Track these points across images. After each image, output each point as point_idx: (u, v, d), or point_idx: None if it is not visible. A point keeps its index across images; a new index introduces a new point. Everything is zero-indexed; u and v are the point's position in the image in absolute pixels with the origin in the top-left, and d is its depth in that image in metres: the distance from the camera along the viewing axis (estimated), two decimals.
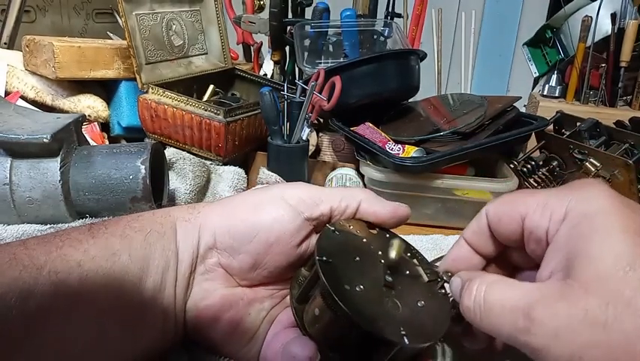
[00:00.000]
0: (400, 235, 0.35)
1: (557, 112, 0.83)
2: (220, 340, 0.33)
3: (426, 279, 0.33)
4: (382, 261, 0.32)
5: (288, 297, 0.35)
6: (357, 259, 0.31)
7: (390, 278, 0.30)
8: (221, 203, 0.35)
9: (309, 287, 0.31)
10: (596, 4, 1.03)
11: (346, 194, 0.34)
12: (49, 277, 0.27)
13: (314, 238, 0.34)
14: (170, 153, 0.66)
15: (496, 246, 0.31)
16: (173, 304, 0.32)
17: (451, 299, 0.31)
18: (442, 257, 0.35)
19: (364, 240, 0.33)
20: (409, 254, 0.34)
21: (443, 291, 0.32)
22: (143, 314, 0.30)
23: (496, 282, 0.26)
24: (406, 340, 0.27)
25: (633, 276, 0.22)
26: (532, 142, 0.80)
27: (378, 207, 0.34)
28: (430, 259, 0.35)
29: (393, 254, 0.31)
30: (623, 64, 1.02)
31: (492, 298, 0.26)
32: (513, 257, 0.31)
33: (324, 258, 0.29)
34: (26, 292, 0.26)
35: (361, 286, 0.29)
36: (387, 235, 0.35)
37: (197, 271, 0.33)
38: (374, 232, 0.34)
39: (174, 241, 0.33)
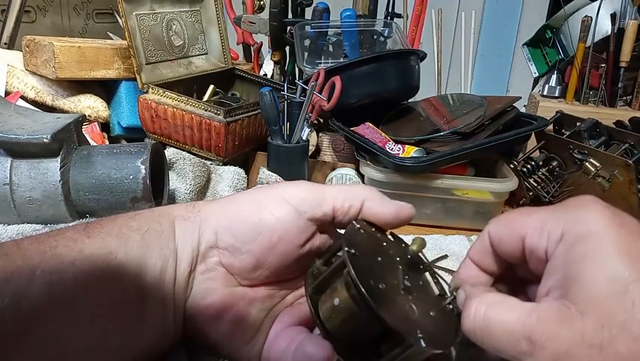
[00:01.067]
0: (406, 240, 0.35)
1: (557, 112, 0.83)
2: (221, 340, 0.33)
3: (436, 292, 0.33)
4: (400, 267, 0.32)
5: (289, 296, 0.35)
6: (380, 259, 0.31)
7: (408, 283, 0.31)
8: (222, 201, 0.35)
9: (329, 277, 0.31)
10: (595, 4, 1.03)
11: (349, 194, 0.34)
12: (42, 278, 0.26)
13: (317, 239, 0.33)
14: (170, 153, 0.66)
15: (502, 263, 0.31)
16: (172, 304, 0.32)
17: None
18: (442, 257, 0.35)
19: (384, 243, 0.33)
20: (421, 266, 0.34)
21: (451, 306, 0.32)
22: (142, 314, 0.30)
23: (495, 303, 0.27)
24: (422, 343, 0.27)
25: (627, 299, 0.22)
26: (532, 142, 0.80)
27: (381, 209, 0.33)
28: (430, 259, 0.36)
29: (414, 247, 0.32)
30: (622, 64, 1.02)
31: (492, 320, 0.26)
32: (519, 272, 0.31)
33: (353, 250, 0.29)
34: (19, 293, 0.26)
35: (383, 285, 0.29)
36: (403, 245, 0.35)
37: (198, 270, 0.33)
38: (391, 238, 0.35)
39: (173, 240, 0.32)
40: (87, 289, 0.28)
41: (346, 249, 0.29)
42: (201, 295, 0.33)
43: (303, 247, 0.33)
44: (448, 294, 0.33)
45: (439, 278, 0.34)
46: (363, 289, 0.27)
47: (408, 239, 0.36)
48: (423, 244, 0.32)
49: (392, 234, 0.35)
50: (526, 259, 0.28)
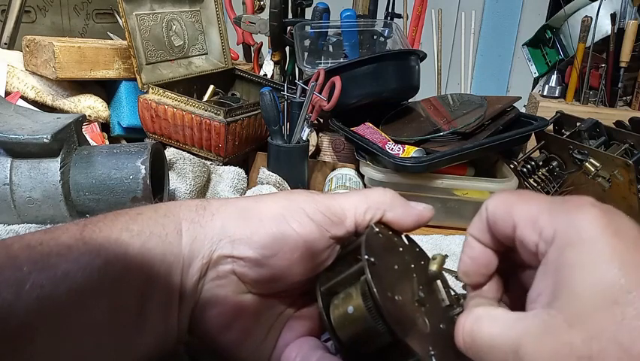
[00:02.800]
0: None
1: (557, 112, 0.83)
2: (229, 346, 0.33)
3: (447, 302, 0.32)
4: (415, 275, 0.31)
5: (297, 301, 0.35)
6: (397, 267, 0.30)
7: (422, 294, 0.30)
8: (240, 207, 0.32)
9: (344, 282, 0.30)
10: (595, 5, 1.03)
11: (371, 204, 0.32)
12: (32, 292, 0.25)
13: (335, 253, 0.33)
14: (170, 153, 0.66)
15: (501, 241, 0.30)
16: (177, 311, 0.31)
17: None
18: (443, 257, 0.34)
19: (400, 249, 0.33)
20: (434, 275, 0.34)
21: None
22: (142, 324, 0.29)
23: (481, 317, 0.26)
24: (434, 360, 0.27)
25: (617, 310, 0.22)
26: (532, 142, 0.80)
27: (402, 218, 0.33)
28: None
29: (434, 267, 0.31)
30: (622, 64, 1.02)
31: (479, 335, 0.26)
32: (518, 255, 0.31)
33: (372, 259, 0.28)
34: (6, 309, 0.24)
35: (399, 297, 0.28)
36: (417, 249, 0.35)
37: (208, 276, 0.31)
38: (407, 242, 0.34)
39: (179, 245, 0.30)
40: (82, 302, 0.26)
41: (366, 257, 0.28)
42: (211, 303, 0.32)
43: (322, 264, 0.32)
44: (456, 304, 0.32)
45: (449, 286, 0.34)
46: (381, 303, 0.27)
47: (415, 238, 0.35)
48: (443, 262, 0.31)
49: (407, 237, 0.35)
50: (517, 246, 0.28)
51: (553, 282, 0.24)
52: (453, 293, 0.33)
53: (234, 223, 0.31)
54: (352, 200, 0.33)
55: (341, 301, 0.30)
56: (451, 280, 0.34)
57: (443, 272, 0.34)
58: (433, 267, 0.31)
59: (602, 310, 0.22)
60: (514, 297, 0.31)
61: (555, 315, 0.23)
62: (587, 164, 0.70)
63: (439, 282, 0.33)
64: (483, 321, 0.26)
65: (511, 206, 0.28)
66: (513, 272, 0.31)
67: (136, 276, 0.29)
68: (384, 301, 0.27)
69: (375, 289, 0.27)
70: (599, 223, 0.24)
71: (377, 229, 0.32)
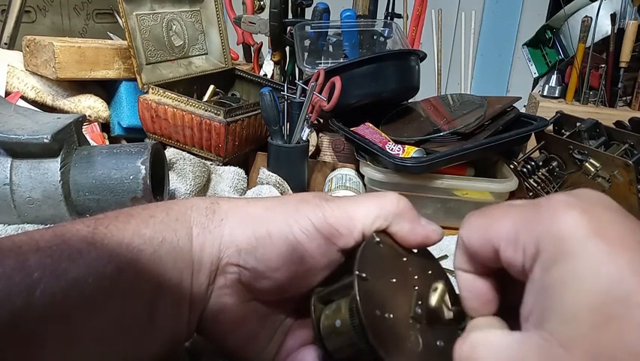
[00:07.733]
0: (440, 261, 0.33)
1: (557, 112, 0.83)
2: (233, 349, 0.33)
3: (450, 316, 0.30)
4: (416, 288, 0.30)
5: (301, 306, 0.34)
6: (394, 280, 0.29)
7: (419, 310, 0.29)
8: (248, 216, 0.32)
9: (336, 291, 0.30)
10: (595, 5, 1.04)
11: (380, 213, 0.31)
12: (43, 299, 0.24)
13: (340, 261, 0.32)
14: (170, 153, 0.66)
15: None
16: (187, 317, 0.31)
17: None
18: (442, 257, 0.34)
19: (404, 258, 0.31)
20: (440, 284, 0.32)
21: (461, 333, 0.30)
22: (152, 330, 0.29)
23: (478, 344, 0.25)
24: None
25: (611, 328, 0.20)
26: (532, 142, 0.80)
27: (407, 234, 0.32)
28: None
29: (433, 301, 0.29)
30: (622, 64, 1.02)
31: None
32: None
33: (364, 275, 0.28)
34: (16, 316, 0.23)
35: (391, 315, 0.27)
36: (426, 258, 0.33)
37: (216, 283, 0.31)
38: (415, 250, 0.33)
39: (189, 252, 0.30)
40: (92, 309, 0.26)
41: (357, 272, 0.27)
42: (217, 310, 0.32)
43: (327, 275, 0.32)
44: (460, 319, 0.30)
45: (456, 298, 0.32)
46: (365, 323, 0.26)
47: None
48: (444, 293, 0.29)
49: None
50: (506, 269, 0.26)
51: (542, 302, 0.23)
52: (458, 306, 0.31)
53: (242, 232, 0.31)
54: (362, 210, 0.31)
55: (331, 313, 0.30)
56: (451, 280, 0.33)
57: (449, 277, 0.32)
58: (433, 301, 0.29)
59: (597, 330, 0.21)
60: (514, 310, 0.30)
61: (550, 339, 0.22)
62: (587, 164, 0.70)
63: (446, 296, 0.31)
64: (479, 350, 0.25)
65: (485, 231, 0.27)
66: (507, 284, 0.29)
67: (147, 283, 0.28)
68: (370, 321, 0.26)
69: (360, 308, 0.26)
70: (580, 227, 0.23)
71: (378, 239, 0.30)
